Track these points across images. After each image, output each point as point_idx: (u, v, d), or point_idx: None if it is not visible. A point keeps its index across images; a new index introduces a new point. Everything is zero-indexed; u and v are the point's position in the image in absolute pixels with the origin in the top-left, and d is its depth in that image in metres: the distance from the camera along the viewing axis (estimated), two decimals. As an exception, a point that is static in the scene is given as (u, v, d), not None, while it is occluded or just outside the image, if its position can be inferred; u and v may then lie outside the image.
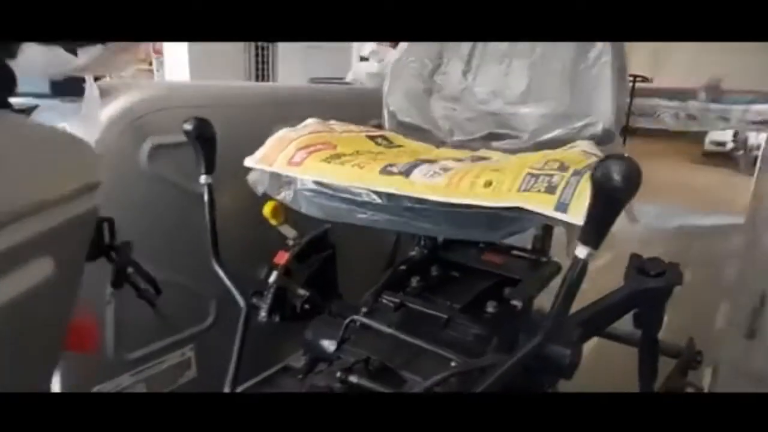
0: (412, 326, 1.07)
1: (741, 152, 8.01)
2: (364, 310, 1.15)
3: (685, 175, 7.10)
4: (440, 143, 1.22)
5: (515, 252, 1.28)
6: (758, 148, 7.06)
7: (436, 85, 1.33)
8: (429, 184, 0.80)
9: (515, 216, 0.74)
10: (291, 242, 1.28)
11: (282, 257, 1.23)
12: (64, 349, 0.61)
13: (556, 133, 1.04)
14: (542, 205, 0.69)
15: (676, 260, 1.20)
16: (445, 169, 0.83)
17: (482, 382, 0.75)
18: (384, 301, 1.12)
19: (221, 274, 1.13)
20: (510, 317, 1.06)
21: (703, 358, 1.79)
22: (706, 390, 1.63)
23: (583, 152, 0.86)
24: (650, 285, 1.16)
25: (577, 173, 0.71)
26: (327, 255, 1.36)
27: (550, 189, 0.70)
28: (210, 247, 1.13)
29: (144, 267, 1.19)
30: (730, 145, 8.46)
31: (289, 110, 1.33)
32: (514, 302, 1.05)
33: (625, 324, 1.25)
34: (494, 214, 0.74)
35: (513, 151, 1.06)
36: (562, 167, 0.74)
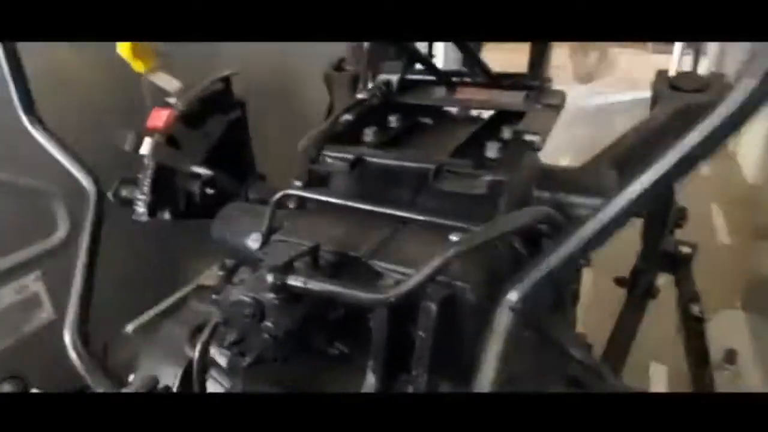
0: (379, 191, 0.69)
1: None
2: (297, 183, 0.75)
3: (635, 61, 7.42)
4: None
5: (503, 81, 0.90)
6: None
7: None
8: None
9: None
10: (173, 100, 0.83)
11: (159, 118, 0.78)
12: None
13: None
14: None
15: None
16: None
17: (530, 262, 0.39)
18: (328, 160, 0.72)
19: (44, 141, 0.66)
20: (520, 164, 0.70)
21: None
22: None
23: None
24: (692, 102, 0.84)
25: None
26: (234, 117, 0.92)
27: None
28: (19, 103, 0.66)
29: None
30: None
31: None
32: (530, 137, 0.68)
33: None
34: None
35: None
36: None
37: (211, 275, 1.14)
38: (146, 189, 0.76)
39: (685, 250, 1.39)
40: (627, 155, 0.78)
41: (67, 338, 0.56)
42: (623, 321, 1.30)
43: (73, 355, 0.56)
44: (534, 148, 0.69)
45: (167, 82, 0.82)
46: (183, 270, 1.11)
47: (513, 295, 0.39)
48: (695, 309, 1.17)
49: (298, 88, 1.27)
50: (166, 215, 0.80)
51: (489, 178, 0.62)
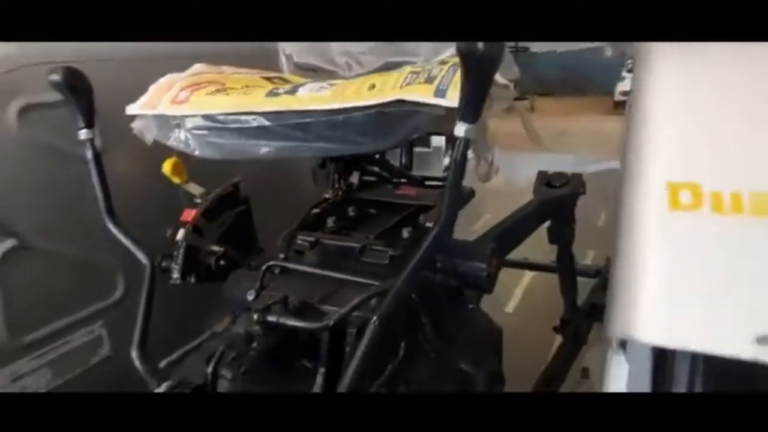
0: (329, 262, 1.05)
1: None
2: (281, 255, 1.11)
3: (594, 127, 7.74)
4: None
5: (429, 183, 1.29)
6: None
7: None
8: (315, 96, 0.77)
9: (404, 115, 0.72)
10: (198, 200, 1.22)
11: (189, 215, 1.16)
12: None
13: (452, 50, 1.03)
14: (422, 93, 0.68)
15: None
16: (333, 84, 0.80)
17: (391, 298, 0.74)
18: (299, 242, 1.09)
19: (118, 234, 1.04)
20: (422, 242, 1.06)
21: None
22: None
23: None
24: (556, 194, 1.21)
25: (456, 65, 0.71)
26: (240, 210, 1.30)
27: (430, 79, 0.70)
28: (103, 208, 1.05)
29: (33, 243, 1.09)
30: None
31: (179, 64, 1.25)
32: (428, 224, 1.05)
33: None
34: (382, 118, 0.73)
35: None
36: (443, 63, 0.74)
37: (223, 323, 1.49)
38: (179, 262, 1.13)
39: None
40: (504, 234, 1.13)
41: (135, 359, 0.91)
42: (553, 366, 1.52)
43: (140, 369, 0.90)
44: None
45: (195, 189, 1.21)
46: (205, 319, 1.47)
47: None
48: None
49: (293, 182, 1.67)
50: (193, 279, 1.17)
51: (390, 254, 0.98)
